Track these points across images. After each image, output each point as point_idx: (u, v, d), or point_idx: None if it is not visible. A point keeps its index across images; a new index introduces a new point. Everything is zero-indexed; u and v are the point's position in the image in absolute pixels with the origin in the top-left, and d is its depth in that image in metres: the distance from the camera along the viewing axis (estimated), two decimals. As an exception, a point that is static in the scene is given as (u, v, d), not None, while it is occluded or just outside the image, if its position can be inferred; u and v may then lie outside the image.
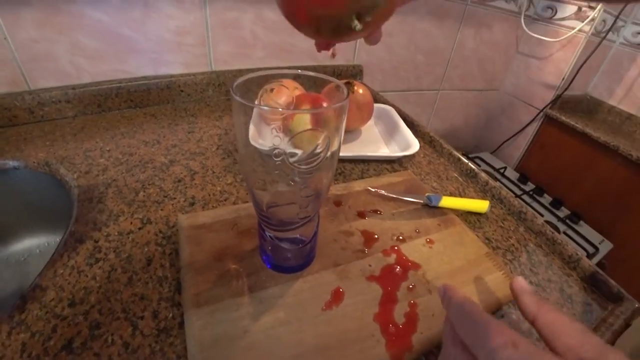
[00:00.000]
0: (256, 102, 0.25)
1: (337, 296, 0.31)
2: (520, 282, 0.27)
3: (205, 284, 0.29)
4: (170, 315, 0.29)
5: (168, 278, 0.32)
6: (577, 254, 0.42)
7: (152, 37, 0.61)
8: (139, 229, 0.37)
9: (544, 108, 1.13)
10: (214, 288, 0.29)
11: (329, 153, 0.21)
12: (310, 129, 0.20)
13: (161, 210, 0.40)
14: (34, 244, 0.52)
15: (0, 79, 0.54)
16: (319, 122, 0.20)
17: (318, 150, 0.21)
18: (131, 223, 0.37)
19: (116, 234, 0.36)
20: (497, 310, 0.34)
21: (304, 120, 0.21)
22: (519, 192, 1.09)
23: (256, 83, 0.24)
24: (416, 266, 0.36)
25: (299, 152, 0.21)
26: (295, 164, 0.21)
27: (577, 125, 1.06)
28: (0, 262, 0.49)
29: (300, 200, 0.25)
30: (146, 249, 0.35)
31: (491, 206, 0.48)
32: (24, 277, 0.49)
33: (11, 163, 0.46)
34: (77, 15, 0.54)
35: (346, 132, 0.63)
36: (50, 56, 0.56)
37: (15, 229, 0.51)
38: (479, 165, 1.21)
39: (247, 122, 0.22)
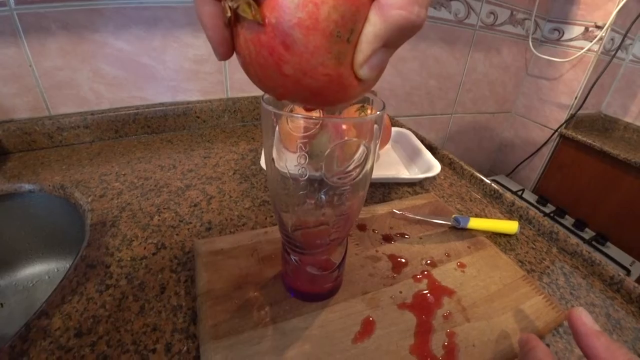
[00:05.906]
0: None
1: (367, 326, 0.28)
2: (582, 316, 0.21)
3: (223, 314, 0.27)
4: (185, 348, 0.26)
5: (183, 307, 0.30)
6: (619, 275, 0.39)
7: (171, 65, 0.63)
8: (153, 254, 0.35)
9: (558, 128, 1.11)
10: (234, 319, 0.27)
11: (365, 168, 0.20)
12: (349, 140, 0.18)
13: (176, 235, 0.38)
14: (44, 270, 0.51)
15: (23, 105, 0.55)
16: (360, 133, 0.18)
17: (353, 166, 0.19)
18: (145, 248, 0.36)
19: (129, 259, 0.34)
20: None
21: (327, 137, 0.20)
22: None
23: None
24: (450, 292, 0.33)
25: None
26: (330, 179, 0.20)
27: (594, 143, 1.04)
28: (8, 287, 0.48)
29: (329, 221, 0.23)
30: (160, 276, 0.33)
31: (520, 227, 0.45)
32: (31, 304, 0.47)
33: (27, 186, 0.46)
34: (100, 44, 0.56)
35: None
36: (72, 83, 0.57)
37: (26, 253, 0.50)
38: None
39: (271, 140, 0.21)
